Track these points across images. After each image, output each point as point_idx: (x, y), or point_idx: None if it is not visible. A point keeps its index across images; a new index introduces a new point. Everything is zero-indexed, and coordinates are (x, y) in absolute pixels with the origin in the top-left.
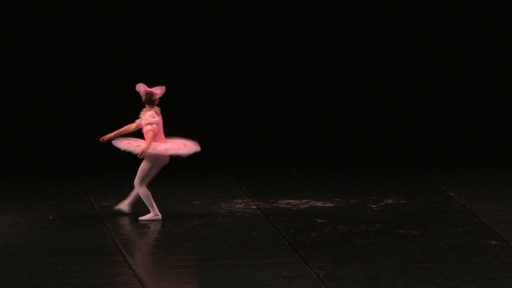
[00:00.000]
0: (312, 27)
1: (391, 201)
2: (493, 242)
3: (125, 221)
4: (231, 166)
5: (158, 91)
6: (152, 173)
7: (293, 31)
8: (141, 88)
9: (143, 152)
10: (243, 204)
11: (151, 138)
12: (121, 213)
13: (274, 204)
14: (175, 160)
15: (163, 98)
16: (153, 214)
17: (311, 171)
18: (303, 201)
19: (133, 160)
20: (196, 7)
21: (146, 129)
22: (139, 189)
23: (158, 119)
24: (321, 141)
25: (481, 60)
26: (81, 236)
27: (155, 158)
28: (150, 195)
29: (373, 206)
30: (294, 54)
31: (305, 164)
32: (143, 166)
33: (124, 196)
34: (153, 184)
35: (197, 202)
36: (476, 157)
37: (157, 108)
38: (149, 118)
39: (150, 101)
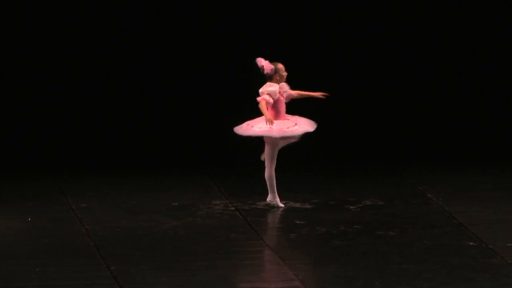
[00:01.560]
0: (296, 26)
1: (369, 203)
2: (471, 243)
3: (104, 223)
4: (209, 168)
5: (265, 65)
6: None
7: (288, 31)
8: (258, 62)
9: (268, 121)
10: (222, 206)
11: (264, 107)
12: (99, 214)
13: (253, 206)
14: (155, 161)
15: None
16: (271, 197)
17: (289, 172)
18: (282, 202)
19: (112, 161)
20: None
21: (258, 99)
22: (266, 172)
23: (272, 89)
24: (299, 143)
25: (460, 61)
26: (59, 238)
27: (269, 138)
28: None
29: (351, 207)
30: (279, 56)
31: (283, 166)
32: (266, 150)
33: (104, 198)
34: (132, 184)
35: (175, 204)
36: (454, 158)
37: (278, 85)
38: (263, 88)
39: (266, 76)
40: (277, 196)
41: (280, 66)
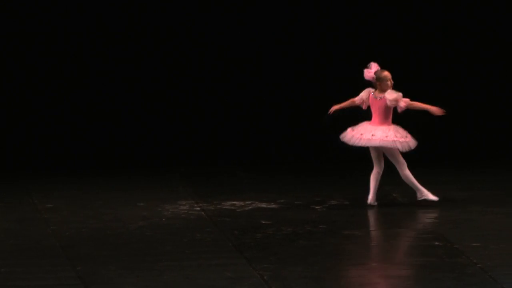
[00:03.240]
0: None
1: (335, 202)
2: (437, 243)
3: (70, 223)
4: (175, 168)
5: (365, 71)
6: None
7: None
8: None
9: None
10: (187, 206)
11: (347, 101)
12: (65, 215)
13: (218, 206)
14: (123, 162)
15: None
16: (419, 194)
17: (255, 172)
18: (247, 202)
19: (78, 161)
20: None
21: (402, 105)
22: (400, 174)
23: (362, 93)
24: (266, 142)
25: (419, 60)
26: (25, 238)
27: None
28: (411, 177)
29: (317, 207)
30: (239, 57)
31: (250, 166)
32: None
33: (70, 198)
34: (99, 184)
35: (142, 204)
36: (420, 158)
37: (370, 90)
38: (391, 95)
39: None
40: (424, 190)
41: (384, 74)
